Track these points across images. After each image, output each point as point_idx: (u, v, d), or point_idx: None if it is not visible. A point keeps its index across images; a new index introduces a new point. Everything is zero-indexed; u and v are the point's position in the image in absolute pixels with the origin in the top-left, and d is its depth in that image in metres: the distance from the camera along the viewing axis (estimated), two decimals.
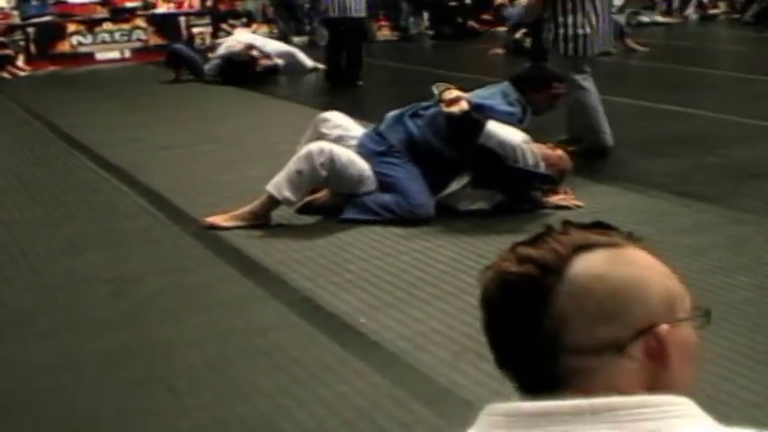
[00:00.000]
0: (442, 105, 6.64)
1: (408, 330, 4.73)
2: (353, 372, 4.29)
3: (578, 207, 6.73)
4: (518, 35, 17.52)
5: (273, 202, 6.57)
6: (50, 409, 4.15)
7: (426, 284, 5.36)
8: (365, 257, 5.91)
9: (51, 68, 18.00)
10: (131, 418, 4.03)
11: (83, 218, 7.18)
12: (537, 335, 1.30)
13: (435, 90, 6.78)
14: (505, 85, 7.06)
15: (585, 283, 1.30)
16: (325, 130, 7.06)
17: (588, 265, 1.31)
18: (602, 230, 1.38)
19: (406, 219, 6.55)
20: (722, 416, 3.34)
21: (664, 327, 1.30)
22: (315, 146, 6.63)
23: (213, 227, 6.51)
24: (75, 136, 10.49)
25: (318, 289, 5.37)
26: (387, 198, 6.64)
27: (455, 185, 7.01)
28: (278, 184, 6.53)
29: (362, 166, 6.70)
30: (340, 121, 7.18)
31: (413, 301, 5.14)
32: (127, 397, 4.18)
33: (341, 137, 6.97)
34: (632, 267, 1.33)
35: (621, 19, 20.89)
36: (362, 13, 13.77)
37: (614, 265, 1.32)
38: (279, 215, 6.64)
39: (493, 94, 6.90)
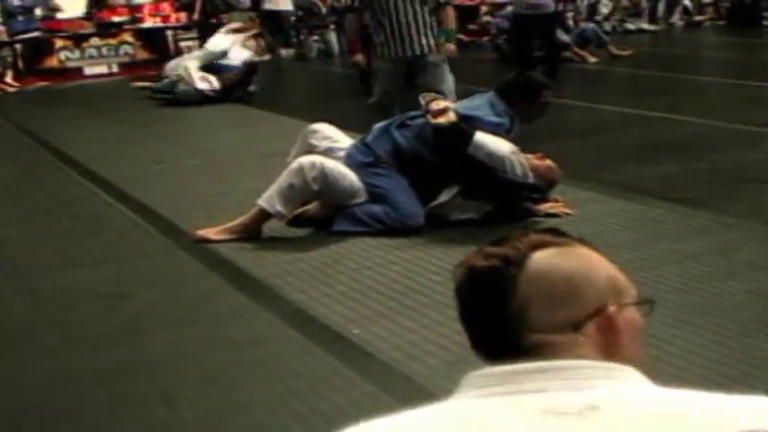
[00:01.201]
0: (429, 116, 6.66)
1: (401, 340, 4.74)
2: (348, 382, 4.31)
3: (568, 215, 6.75)
4: (500, 41, 17.73)
5: (265, 215, 6.58)
6: (49, 425, 4.15)
7: (418, 294, 5.38)
8: (357, 268, 5.93)
9: (40, 84, 18.01)
10: (129, 431, 4.06)
11: (75, 233, 7.18)
12: (505, 316, 1.51)
13: (422, 101, 6.80)
14: (491, 95, 7.01)
15: (542, 271, 1.53)
16: (314, 142, 7.07)
17: (544, 257, 1.54)
18: (555, 234, 1.61)
19: (396, 228, 6.57)
20: None
21: (612, 308, 1.53)
22: (306, 160, 6.62)
23: (204, 240, 6.52)
24: (66, 151, 10.49)
25: (311, 300, 5.38)
26: (376, 209, 6.65)
27: (444, 197, 7.03)
28: (270, 198, 6.53)
29: (353, 178, 6.70)
30: (329, 133, 7.18)
31: (405, 311, 5.15)
32: (124, 411, 4.18)
33: (330, 149, 6.98)
34: (581, 260, 1.57)
35: (606, 26, 21.02)
36: None
37: (566, 258, 1.55)
38: (270, 227, 6.65)
39: (480, 105, 6.89)
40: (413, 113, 6.96)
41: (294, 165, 6.62)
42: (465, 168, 6.64)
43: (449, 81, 8.98)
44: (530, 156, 6.77)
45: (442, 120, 6.58)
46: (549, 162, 6.88)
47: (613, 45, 17.12)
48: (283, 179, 6.55)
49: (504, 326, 1.52)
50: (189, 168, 9.26)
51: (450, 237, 6.43)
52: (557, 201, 6.92)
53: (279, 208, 6.51)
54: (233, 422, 4.03)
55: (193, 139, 10.99)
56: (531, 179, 6.66)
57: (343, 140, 7.14)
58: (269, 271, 5.93)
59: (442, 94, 8.58)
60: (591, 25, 18.25)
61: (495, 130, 6.66)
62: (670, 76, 14.56)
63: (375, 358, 4.58)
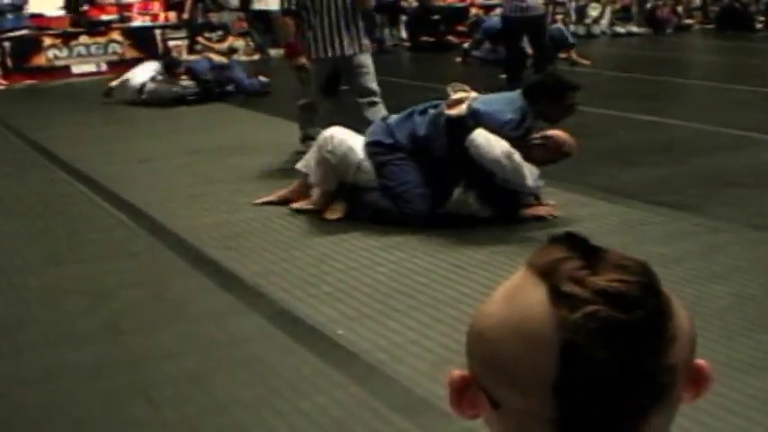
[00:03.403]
0: (445, 106, 6.78)
1: (386, 342, 4.74)
2: (332, 383, 4.30)
3: (554, 218, 6.74)
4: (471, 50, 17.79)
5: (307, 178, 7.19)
6: (30, 423, 4.14)
7: (403, 296, 5.38)
8: (342, 269, 5.92)
9: (28, 82, 17.97)
10: (111, 430, 4.04)
11: (59, 231, 7.16)
12: (644, 398, 0.96)
13: (450, 90, 6.86)
14: (517, 93, 6.91)
15: (685, 326, 1.01)
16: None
17: (677, 302, 1.02)
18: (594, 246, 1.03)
19: (400, 218, 6.77)
20: (702, 424, 3.40)
21: (701, 362, 1.04)
22: (320, 136, 7.19)
23: (264, 203, 7.20)
24: (52, 149, 10.46)
25: (296, 301, 5.38)
26: (384, 205, 6.85)
27: (457, 193, 7.00)
28: (306, 161, 7.18)
29: (360, 156, 6.95)
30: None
31: (390, 312, 5.15)
32: (106, 409, 4.18)
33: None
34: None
35: (596, 29, 21.03)
36: None
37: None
38: (256, 227, 6.66)
39: (497, 101, 6.86)
40: (436, 101, 7.02)
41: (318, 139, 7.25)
42: (466, 162, 6.61)
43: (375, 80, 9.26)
44: (543, 130, 6.77)
45: (453, 111, 6.64)
46: (557, 137, 6.86)
47: (576, 51, 17.00)
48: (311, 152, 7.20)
49: (635, 411, 0.96)
50: (175, 167, 9.23)
51: (436, 238, 6.43)
52: (543, 204, 6.91)
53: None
54: (215, 421, 4.02)
55: (180, 139, 10.95)
56: (528, 181, 6.60)
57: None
58: (254, 271, 5.93)
59: (373, 93, 8.94)
60: (557, 25, 18.11)
61: (499, 127, 6.55)
62: (657, 80, 14.58)
63: (359, 359, 4.58)
